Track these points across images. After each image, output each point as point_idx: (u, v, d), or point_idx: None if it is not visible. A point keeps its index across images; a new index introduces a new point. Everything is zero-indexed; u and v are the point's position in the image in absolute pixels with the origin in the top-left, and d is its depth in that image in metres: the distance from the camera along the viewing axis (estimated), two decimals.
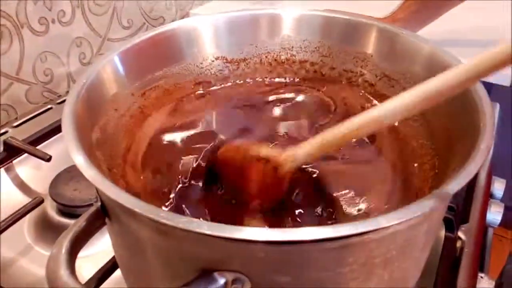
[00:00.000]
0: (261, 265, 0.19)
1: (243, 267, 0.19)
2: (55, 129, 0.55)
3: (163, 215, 0.18)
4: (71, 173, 0.47)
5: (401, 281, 0.24)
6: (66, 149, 0.56)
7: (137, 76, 0.32)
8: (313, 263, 0.19)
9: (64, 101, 0.62)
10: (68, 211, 0.44)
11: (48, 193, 0.45)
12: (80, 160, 0.22)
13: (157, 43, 0.33)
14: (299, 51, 0.38)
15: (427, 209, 0.19)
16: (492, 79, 0.68)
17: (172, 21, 0.53)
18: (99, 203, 0.24)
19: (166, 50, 0.34)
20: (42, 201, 0.44)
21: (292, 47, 0.38)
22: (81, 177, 0.48)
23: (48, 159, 0.48)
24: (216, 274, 0.19)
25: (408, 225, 0.20)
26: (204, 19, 0.36)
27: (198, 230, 0.18)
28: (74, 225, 0.23)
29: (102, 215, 0.24)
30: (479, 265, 0.50)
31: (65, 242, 0.21)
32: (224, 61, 0.38)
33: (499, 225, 0.54)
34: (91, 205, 0.26)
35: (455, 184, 0.19)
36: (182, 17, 0.82)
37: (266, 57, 0.39)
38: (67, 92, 0.66)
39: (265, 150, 0.27)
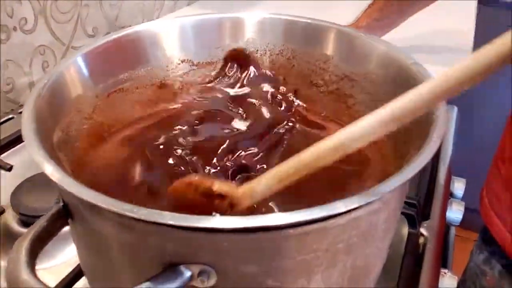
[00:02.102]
0: (226, 255, 0.20)
1: (208, 259, 0.20)
2: (17, 139, 0.53)
3: (127, 207, 0.18)
4: (32, 182, 0.46)
5: (364, 269, 0.24)
6: (28, 159, 0.54)
7: (101, 78, 0.32)
8: (277, 251, 0.20)
9: None
10: (30, 221, 0.42)
11: (8, 204, 0.43)
12: (40, 158, 0.21)
13: (121, 46, 0.33)
14: (263, 54, 0.39)
15: (381, 195, 0.19)
16: None
17: None
18: (60, 204, 0.23)
19: (130, 53, 0.34)
20: (2, 212, 0.42)
21: (257, 50, 0.39)
22: (43, 187, 0.47)
23: (9, 168, 0.46)
24: (182, 267, 0.20)
25: (367, 211, 0.20)
26: (169, 22, 0.36)
27: (160, 220, 0.18)
28: (34, 226, 0.22)
29: (64, 215, 0.23)
30: (442, 261, 0.51)
31: (25, 242, 0.21)
32: (190, 64, 0.38)
33: (463, 227, 0.57)
34: None
35: (409, 170, 0.20)
36: None
37: (232, 59, 0.39)
38: None
39: (219, 186, 0.25)
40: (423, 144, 0.23)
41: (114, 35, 0.33)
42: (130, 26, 0.77)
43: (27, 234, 0.21)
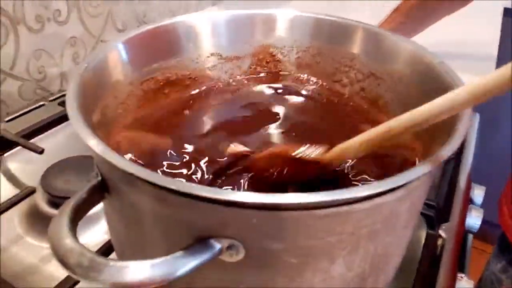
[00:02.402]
0: (254, 231, 0.20)
1: (237, 234, 0.21)
2: (48, 125, 0.56)
3: (164, 179, 0.20)
4: (62, 166, 0.48)
5: (385, 257, 0.25)
6: (58, 144, 0.56)
7: (137, 66, 0.33)
8: (303, 230, 0.21)
9: (56, 98, 0.63)
10: (58, 202, 0.44)
11: (39, 185, 0.45)
12: (82, 128, 0.23)
13: (156, 36, 0.35)
14: (290, 51, 0.40)
15: (406, 181, 0.20)
16: None
17: None
18: (99, 178, 0.25)
19: (164, 43, 0.36)
20: (33, 191, 0.44)
21: (284, 46, 0.40)
22: (72, 170, 0.49)
23: (40, 151, 0.48)
24: (212, 241, 0.21)
25: (392, 197, 0.21)
26: (203, 16, 0.37)
27: (192, 191, 0.19)
28: (74, 197, 0.23)
29: (101, 190, 0.25)
30: (459, 266, 0.51)
31: (66, 210, 0.22)
32: (219, 57, 0.39)
33: (479, 239, 0.56)
34: None
35: (433, 160, 0.21)
36: None
37: (260, 55, 0.41)
38: (60, 90, 0.66)
39: (311, 152, 0.27)
40: (447, 139, 0.23)
41: (150, 26, 0.34)
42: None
43: (67, 204, 0.23)
